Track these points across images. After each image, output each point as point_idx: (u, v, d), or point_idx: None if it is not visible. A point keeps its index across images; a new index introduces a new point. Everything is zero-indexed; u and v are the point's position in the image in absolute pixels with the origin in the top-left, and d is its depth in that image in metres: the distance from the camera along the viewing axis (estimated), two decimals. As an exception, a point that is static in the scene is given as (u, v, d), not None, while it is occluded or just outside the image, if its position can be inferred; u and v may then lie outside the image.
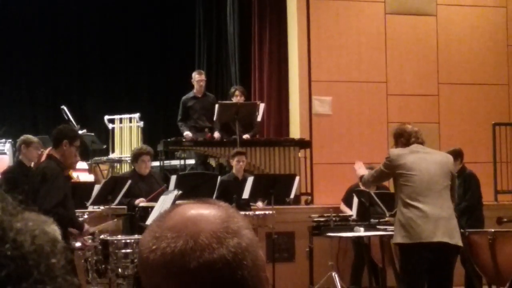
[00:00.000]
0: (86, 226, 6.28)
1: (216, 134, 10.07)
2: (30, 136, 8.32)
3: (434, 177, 5.62)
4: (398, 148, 5.88)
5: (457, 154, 8.41)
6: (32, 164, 8.06)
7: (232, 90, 10.37)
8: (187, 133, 9.99)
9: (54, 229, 0.86)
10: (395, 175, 5.72)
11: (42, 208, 5.34)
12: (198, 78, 10.33)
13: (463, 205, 8.26)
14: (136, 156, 8.21)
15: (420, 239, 5.45)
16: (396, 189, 5.74)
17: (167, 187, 7.99)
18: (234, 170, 8.70)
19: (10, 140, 10.41)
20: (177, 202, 1.19)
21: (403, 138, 5.86)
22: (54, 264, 0.81)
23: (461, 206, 8.27)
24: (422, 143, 5.86)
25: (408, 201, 5.57)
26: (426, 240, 5.45)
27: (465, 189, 8.35)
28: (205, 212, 1.09)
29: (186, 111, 10.29)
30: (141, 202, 7.90)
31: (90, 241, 6.46)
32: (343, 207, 8.89)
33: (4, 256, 0.78)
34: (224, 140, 9.87)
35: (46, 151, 8.36)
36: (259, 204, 8.64)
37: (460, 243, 5.63)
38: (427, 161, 5.70)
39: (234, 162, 8.70)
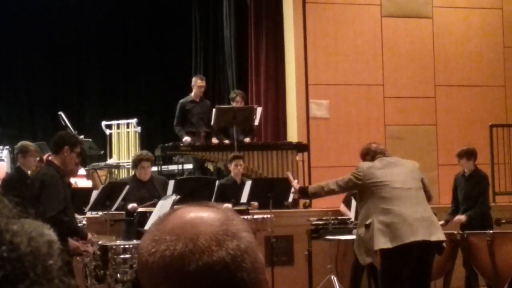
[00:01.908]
0: (90, 235, 6.23)
1: (214, 139, 10.07)
2: (26, 144, 8.21)
3: (405, 182, 5.78)
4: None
5: (470, 154, 8.45)
6: (29, 172, 8.04)
7: (233, 95, 10.28)
8: (186, 139, 9.94)
9: (50, 234, 0.86)
10: (364, 185, 5.81)
11: (45, 215, 5.31)
12: (200, 83, 10.27)
13: (479, 210, 8.29)
14: (136, 162, 8.22)
15: (402, 241, 5.51)
16: (368, 200, 5.79)
17: (165, 192, 8.00)
18: (232, 174, 8.71)
19: (7, 147, 10.40)
20: (175, 206, 1.19)
21: (368, 156, 6.09)
22: (51, 266, 0.81)
23: (476, 210, 8.29)
24: (387, 157, 6.06)
25: (385, 206, 5.67)
26: (407, 241, 5.51)
27: (479, 192, 8.40)
28: (204, 215, 1.09)
29: (184, 114, 10.22)
30: (133, 208, 7.91)
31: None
32: (344, 208, 8.88)
33: (0, 258, 0.78)
34: (225, 142, 9.84)
35: (45, 157, 8.35)
36: (254, 204, 8.61)
37: (442, 237, 5.73)
38: (396, 167, 5.88)
39: (232, 166, 8.71)
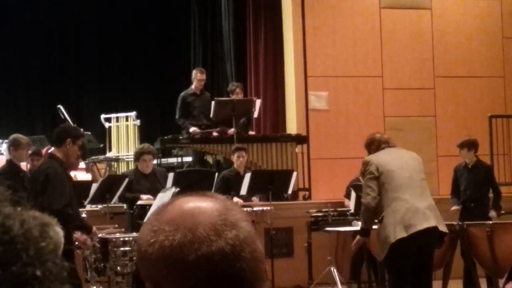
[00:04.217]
0: (94, 228, 6.21)
1: (214, 132, 10.06)
2: (18, 137, 8.22)
3: (413, 172, 5.76)
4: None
5: (471, 144, 8.44)
6: (24, 164, 8.04)
7: (233, 87, 10.26)
8: (195, 129, 9.91)
9: (58, 231, 0.87)
10: (378, 176, 5.74)
11: (51, 208, 5.27)
12: (200, 76, 10.25)
13: (498, 198, 8.38)
14: (138, 155, 8.25)
15: (415, 228, 5.50)
16: (380, 192, 5.70)
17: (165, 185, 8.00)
18: (235, 166, 8.70)
19: (6, 141, 10.38)
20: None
21: (373, 146, 5.99)
22: (44, 248, 0.81)
23: (498, 201, 8.37)
24: (392, 147, 5.97)
25: (394, 195, 5.64)
26: (421, 228, 5.51)
27: (491, 183, 8.41)
28: (203, 205, 1.09)
29: (186, 107, 10.20)
30: (149, 199, 7.86)
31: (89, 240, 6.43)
32: (347, 203, 8.84)
33: None
34: (229, 132, 9.82)
35: (44, 150, 8.35)
36: (255, 199, 8.62)
37: (445, 230, 5.73)
38: (403, 157, 5.85)
39: (234, 158, 8.70)
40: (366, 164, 5.81)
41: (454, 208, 8.37)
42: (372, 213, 5.71)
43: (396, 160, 5.77)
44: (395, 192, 5.64)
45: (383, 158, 5.78)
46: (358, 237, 5.95)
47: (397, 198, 5.61)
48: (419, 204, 5.59)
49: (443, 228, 5.68)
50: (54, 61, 13.70)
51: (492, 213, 8.35)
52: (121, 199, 7.99)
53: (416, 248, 5.60)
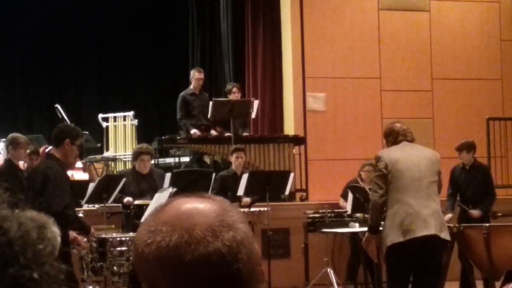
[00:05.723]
0: (92, 229, 6.20)
1: (212, 131, 10.07)
2: (17, 136, 8.19)
3: (424, 173, 5.65)
4: (387, 147, 5.89)
5: (469, 146, 8.44)
6: (22, 163, 8.01)
7: (229, 87, 10.27)
8: (195, 131, 9.90)
9: (55, 232, 0.87)
10: (387, 174, 5.67)
11: (50, 209, 5.23)
12: (198, 76, 10.25)
13: (489, 200, 8.36)
14: (136, 155, 8.23)
15: (414, 235, 5.46)
16: (388, 192, 5.69)
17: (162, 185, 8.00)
18: (233, 166, 8.69)
19: (3, 140, 10.37)
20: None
21: (391, 137, 5.88)
22: (41, 250, 0.81)
23: (488, 203, 8.36)
24: (411, 140, 5.85)
25: (398, 197, 5.56)
26: (420, 234, 5.46)
27: (488, 184, 8.40)
28: (200, 206, 1.09)
29: (186, 107, 10.20)
30: (128, 202, 7.88)
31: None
32: (343, 202, 8.86)
33: None
34: (226, 135, 9.82)
35: (41, 150, 8.32)
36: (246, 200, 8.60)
37: (448, 237, 5.68)
38: (416, 157, 5.71)
39: (233, 158, 8.70)
40: (377, 159, 5.74)
41: (448, 216, 8.26)
42: (379, 210, 5.66)
43: (408, 159, 5.64)
44: (400, 193, 5.56)
45: (395, 155, 5.65)
46: (366, 234, 5.91)
47: (400, 201, 5.54)
48: (422, 210, 5.50)
49: (445, 235, 5.59)
50: (52, 60, 13.69)
51: (475, 212, 8.26)
52: (116, 201, 7.98)
53: (415, 254, 5.54)
